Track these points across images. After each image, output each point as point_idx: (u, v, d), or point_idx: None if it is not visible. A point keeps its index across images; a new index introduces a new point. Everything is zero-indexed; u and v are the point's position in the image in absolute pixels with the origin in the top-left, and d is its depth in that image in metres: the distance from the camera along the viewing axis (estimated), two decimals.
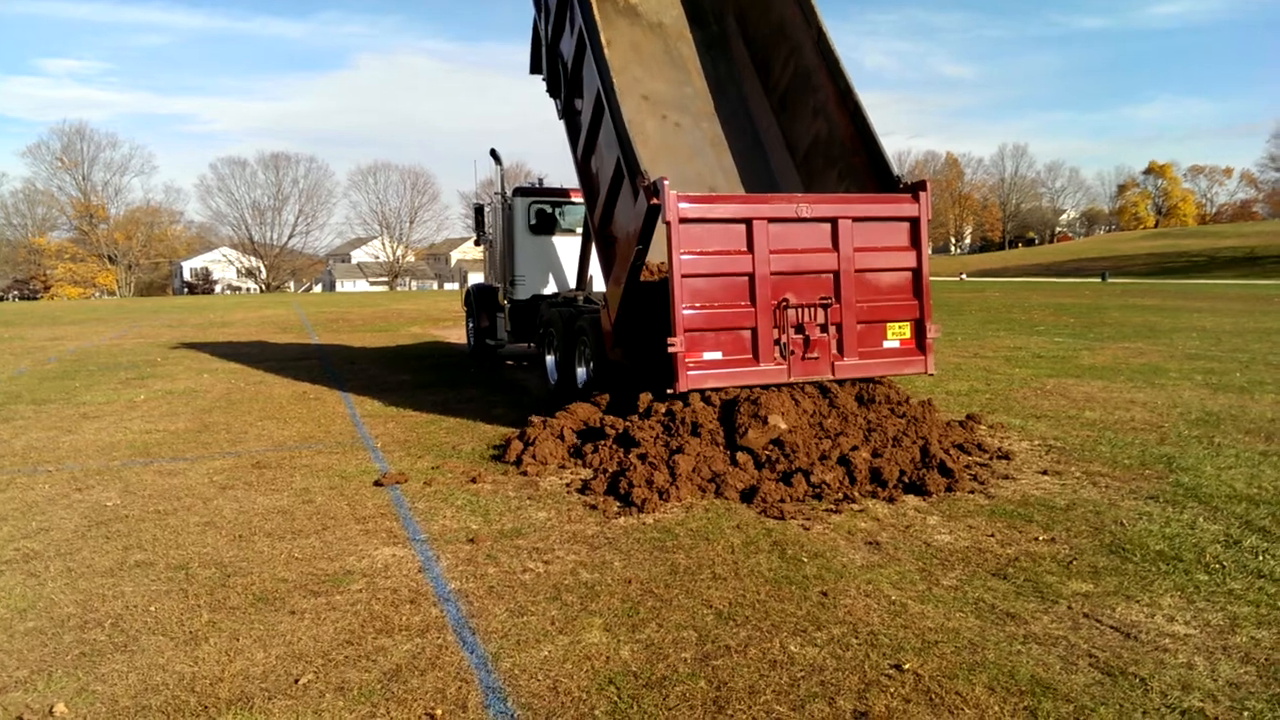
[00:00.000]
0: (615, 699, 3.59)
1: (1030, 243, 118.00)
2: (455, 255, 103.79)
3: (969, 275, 68.51)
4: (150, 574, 5.11)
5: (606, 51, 8.54)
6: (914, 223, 8.09)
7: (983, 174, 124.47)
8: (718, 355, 7.47)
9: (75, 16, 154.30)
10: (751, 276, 7.54)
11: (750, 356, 7.56)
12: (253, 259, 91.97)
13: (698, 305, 7.39)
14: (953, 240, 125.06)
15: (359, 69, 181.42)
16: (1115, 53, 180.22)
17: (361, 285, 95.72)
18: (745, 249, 7.54)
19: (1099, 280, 51.95)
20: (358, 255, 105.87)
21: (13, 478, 7.50)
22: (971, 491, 6.49)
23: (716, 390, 7.49)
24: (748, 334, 7.55)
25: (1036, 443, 8.08)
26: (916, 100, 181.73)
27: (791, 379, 7.67)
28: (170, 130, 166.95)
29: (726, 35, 11.04)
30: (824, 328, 7.75)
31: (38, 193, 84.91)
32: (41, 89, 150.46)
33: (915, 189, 8.11)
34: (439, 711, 3.52)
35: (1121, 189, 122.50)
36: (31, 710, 3.57)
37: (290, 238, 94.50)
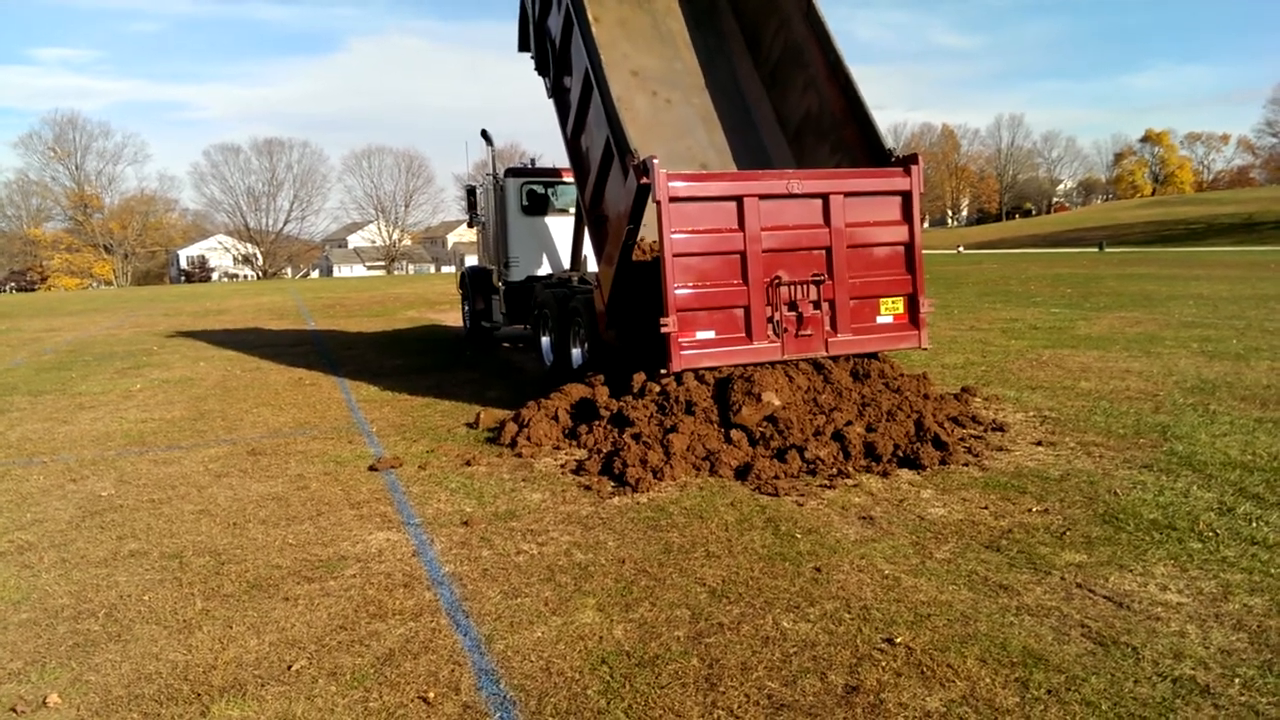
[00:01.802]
0: (608, 679, 3.60)
1: (1027, 214, 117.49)
2: (451, 238, 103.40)
3: (966, 248, 68.30)
4: (144, 563, 5.11)
5: (594, 28, 8.45)
6: (906, 196, 8.03)
7: (979, 145, 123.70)
8: (711, 334, 7.43)
9: (68, 3, 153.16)
10: (743, 254, 7.48)
11: (743, 335, 7.52)
12: (249, 246, 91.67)
13: (690, 284, 7.35)
14: (950, 212, 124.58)
15: (351, 51, 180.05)
16: (1111, 21, 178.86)
17: (358, 270, 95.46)
18: (737, 227, 7.47)
19: (1096, 250, 51.77)
20: (354, 240, 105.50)
21: (8, 469, 7.50)
22: (966, 464, 6.48)
23: (710, 369, 7.47)
24: (740, 312, 7.51)
25: (1031, 414, 8.08)
26: (913, 72, 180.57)
27: (785, 356, 7.62)
28: (163, 118, 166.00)
29: (716, 9, 10.91)
30: (817, 304, 7.70)
31: (31, 183, 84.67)
32: (34, 78, 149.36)
33: (907, 162, 8.04)
34: (432, 695, 3.52)
35: (1118, 158, 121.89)
36: (25, 701, 3.58)
37: (286, 223, 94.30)
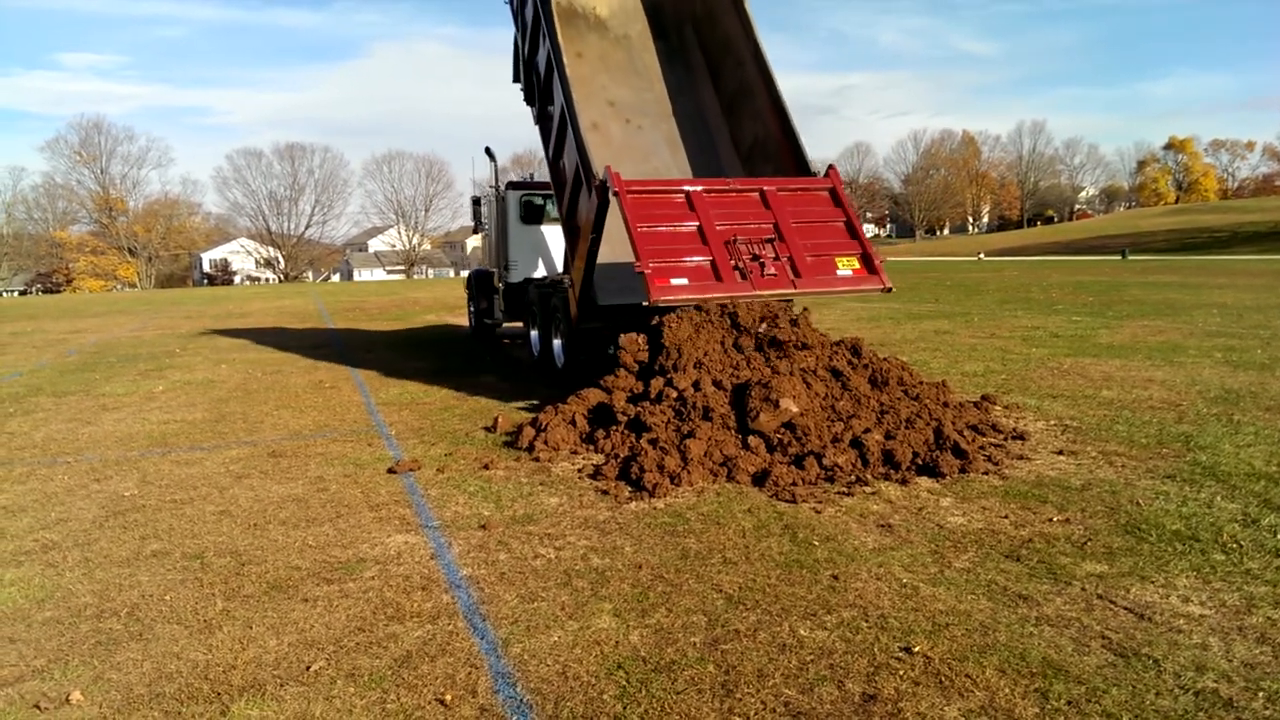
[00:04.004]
0: (624, 683, 3.60)
1: (1049, 221, 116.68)
2: (470, 242, 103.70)
3: (987, 254, 67.75)
4: (166, 563, 5.16)
5: (577, 63, 9.75)
6: (832, 191, 9.62)
7: (1000, 151, 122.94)
8: (684, 281, 8.48)
9: (94, 10, 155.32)
10: (700, 227, 8.79)
11: (714, 280, 8.56)
12: (271, 249, 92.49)
13: (657, 245, 8.48)
14: (970, 219, 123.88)
15: (373, 57, 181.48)
16: (1131, 28, 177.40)
17: (378, 274, 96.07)
18: (690, 211, 8.88)
19: (1119, 257, 51.34)
20: (374, 244, 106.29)
21: (32, 469, 7.59)
22: (985, 473, 6.44)
23: (687, 301, 8.32)
24: (708, 264, 8.65)
25: (1052, 423, 8.01)
26: (935, 78, 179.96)
27: (757, 291, 8.58)
28: (186, 123, 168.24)
29: (685, 46, 12.26)
30: (776, 258, 8.83)
31: (57, 187, 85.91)
32: (60, 83, 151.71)
33: (826, 172, 9.81)
34: (449, 697, 3.54)
35: (1141, 165, 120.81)
36: (48, 698, 3.62)
37: (307, 228, 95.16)
